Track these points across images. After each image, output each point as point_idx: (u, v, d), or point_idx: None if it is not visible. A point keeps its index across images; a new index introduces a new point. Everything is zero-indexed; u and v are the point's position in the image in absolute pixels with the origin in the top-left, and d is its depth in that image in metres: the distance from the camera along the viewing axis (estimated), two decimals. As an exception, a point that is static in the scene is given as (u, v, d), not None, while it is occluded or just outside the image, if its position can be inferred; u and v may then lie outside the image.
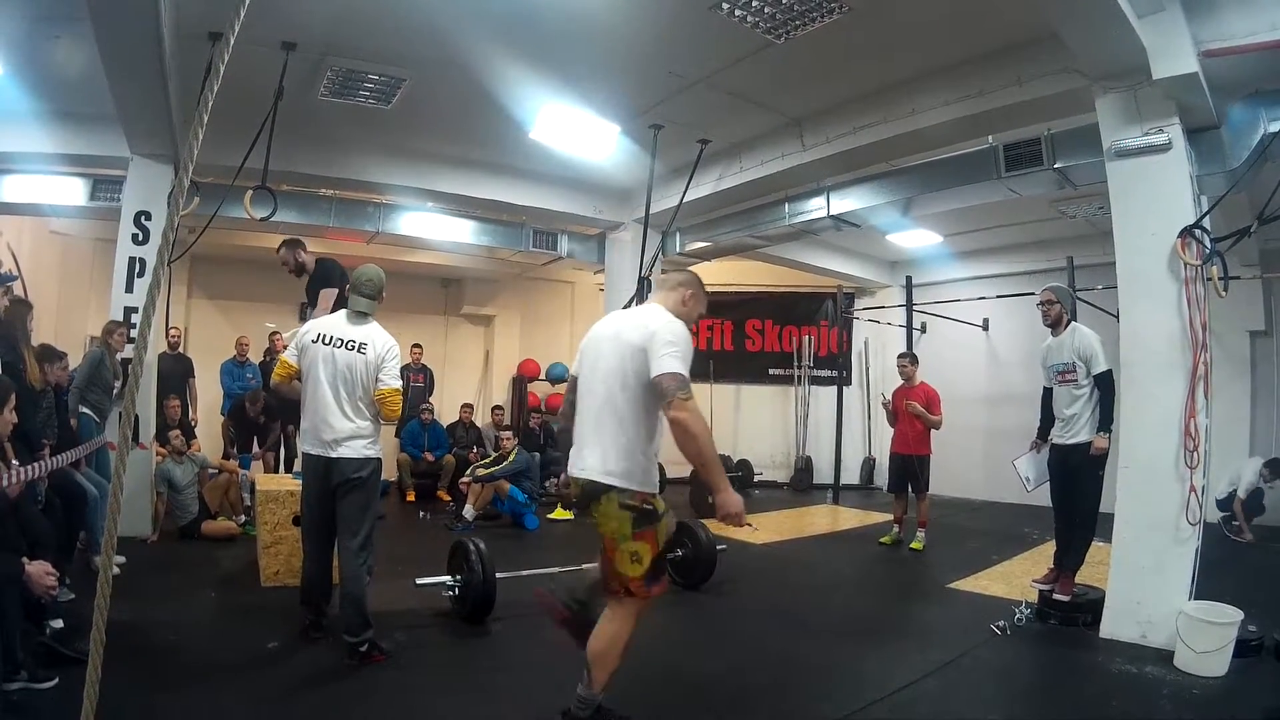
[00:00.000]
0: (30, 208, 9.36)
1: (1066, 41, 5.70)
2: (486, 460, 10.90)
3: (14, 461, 4.88)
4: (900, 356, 9.86)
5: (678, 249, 12.17)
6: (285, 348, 5.65)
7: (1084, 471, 6.28)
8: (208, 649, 5.16)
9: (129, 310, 8.13)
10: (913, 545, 9.31)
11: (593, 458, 3.86)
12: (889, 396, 9.96)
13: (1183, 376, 5.59)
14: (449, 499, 11.87)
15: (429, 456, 12.28)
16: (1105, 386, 6.23)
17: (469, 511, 10.02)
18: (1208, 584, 5.61)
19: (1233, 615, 5.11)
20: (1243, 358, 10.99)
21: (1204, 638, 5.06)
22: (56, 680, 4.17)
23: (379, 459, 5.34)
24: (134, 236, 8.29)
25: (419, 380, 13.36)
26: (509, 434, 11.11)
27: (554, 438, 13.71)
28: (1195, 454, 5.51)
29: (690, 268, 13.64)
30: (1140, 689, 4.91)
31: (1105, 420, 6.22)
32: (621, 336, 3.88)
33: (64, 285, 11.47)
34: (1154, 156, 5.77)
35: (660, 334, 3.73)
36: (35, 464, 5.08)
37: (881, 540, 9.56)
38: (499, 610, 5.94)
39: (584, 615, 4.12)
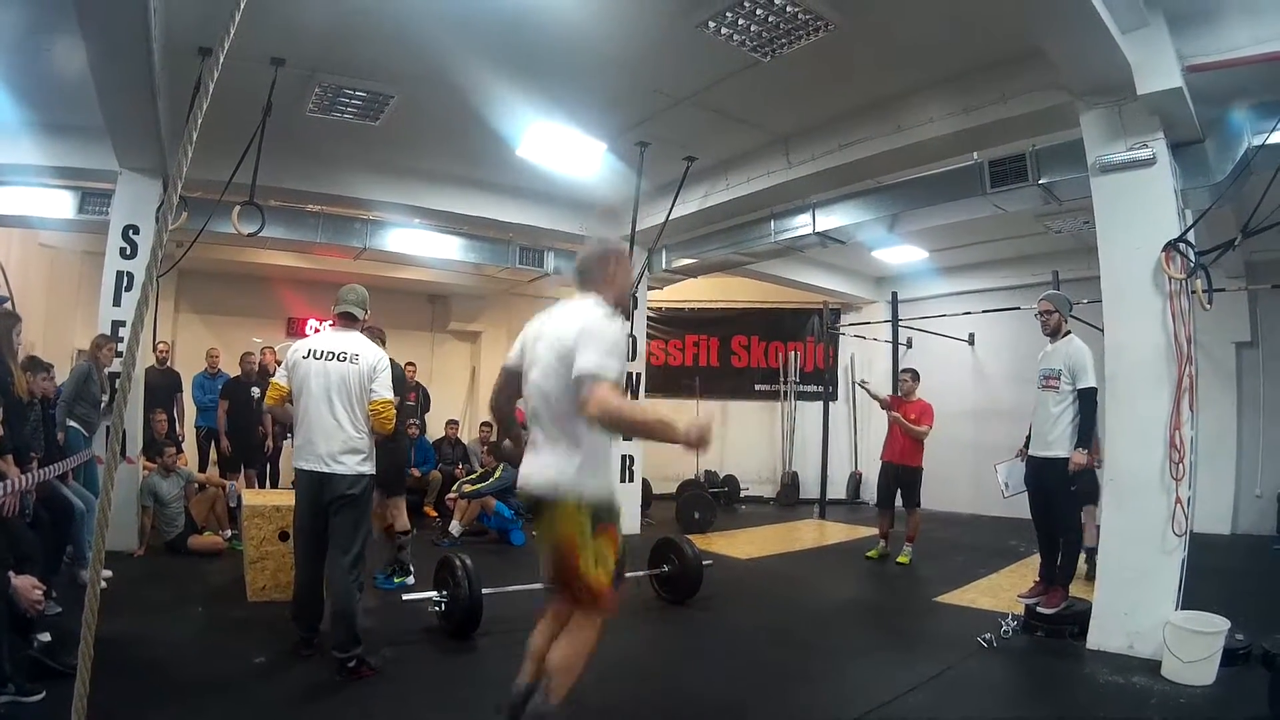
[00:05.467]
0: (18, 220, 9.33)
1: (1051, 57, 5.75)
2: (473, 476, 10.89)
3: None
4: (903, 371, 10.07)
5: (664, 266, 12.19)
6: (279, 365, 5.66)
7: (1058, 490, 6.34)
8: (195, 664, 5.14)
9: (117, 324, 8.09)
10: (899, 559, 9.32)
11: (546, 466, 3.71)
12: (885, 396, 10.19)
13: (1168, 389, 5.63)
14: (436, 515, 11.84)
15: (415, 472, 12.22)
16: (1087, 402, 6.24)
17: (455, 527, 10.02)
18: (1195, 593, 5.64)
19: (1220, 624, 5.15)
20: (1229, 369, 11.09)
21: (1191, 647, 5.10)
22: (44, 694, 4.15)
23: (372, 475, 5.35)
24: (122, 250, 8.29)
25: (411, 399, 13.36)
26: (485, 450, 11.15)
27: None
28: (1181, 466, 5.54)
29: (678, 284, 13.75)
30: (1128, 699, 4.94)
31: (1084, 437, 6.24)
32: (558, 342, 3.69)
33: (51, 298, 11.42)
34: (1138, 171, 5.82)
35: (585, 332, 3.57)
36: (23, 477, 5.07)
37: (868, 554, 9.59)
38: (485, 625, 5.94)
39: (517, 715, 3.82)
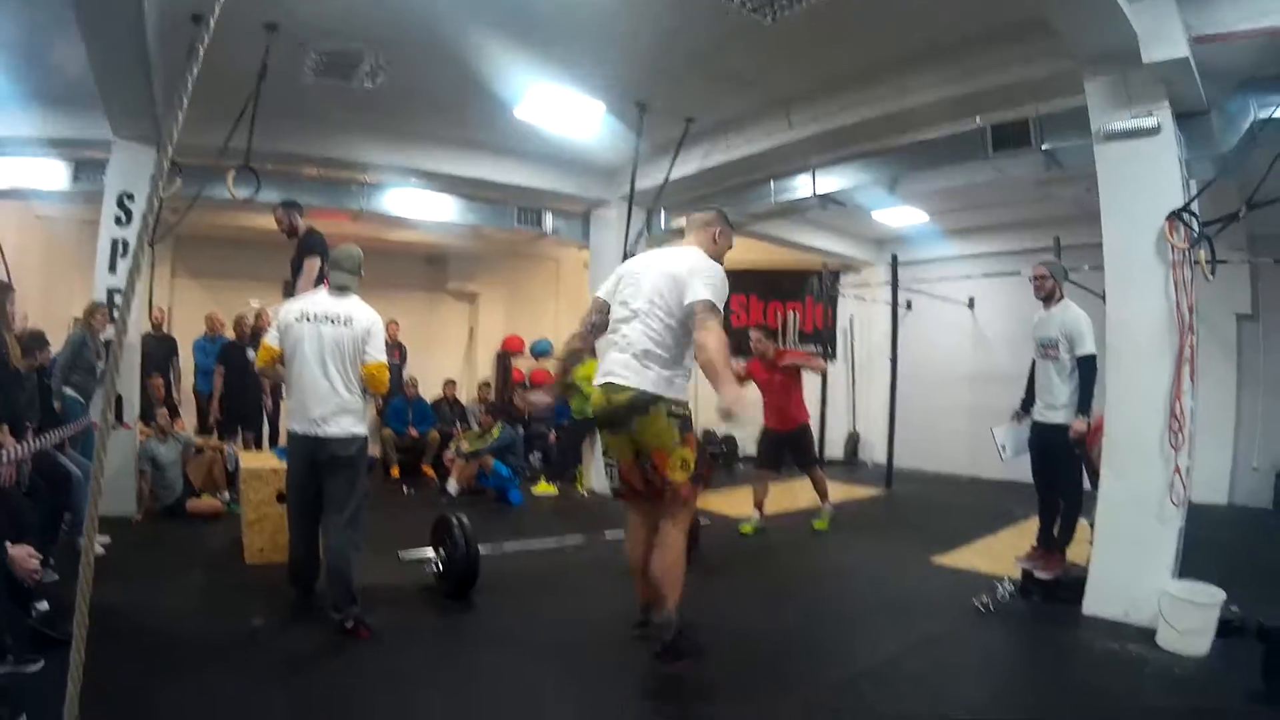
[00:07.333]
0: (13, 193, 9.33)
1: (1057, 25, 5.66)
2: (470, 435, 10.91)
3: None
4: (754, 329, 9.66)
5: (663, 226, 12.12)
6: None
7: (1062, 453, 6.32)
8: (194, 628, 5.17)
9: (112, 292, 8.07)
10: (816, 525, 9.14)
11: (637, 374, 4.23)
12: (744, 368, 9.23)
13: (1169, 358, 5.61)
14: (433, 474, 11.87)
15: (413, 432, 12.28)
16: (1087, 370, 6.20)
17: (453, 486, 10.08)
18: (1191, 563, 5.66)
19: (1215, 596, 5.16)
20: (1229, 342, 11.04)
21: (1187, 617, 5.12)
22: (43, 663, 4.16)
23: (366, 436, 5.38)
24: (117, 218, 8.23)
25: (395, 357, 13.32)
26: (483, 409, 11.23)
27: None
28: (1181, 435, 5.54)
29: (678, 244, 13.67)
30: (1122, 666, 4.98)
31: (1084, 404, 6.21)
32: (666, 270, 4.34)
33: (48, 268, 11.35)
34: (1143, 140, 5.76)
35: (698, 269, 4.27)
36: (19, 446, 5.06)
37: (742, 530, 8.89)
38: (482, 584, 5.98)
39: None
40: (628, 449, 4.33)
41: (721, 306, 4.19)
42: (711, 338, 4.07)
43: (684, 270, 4.27)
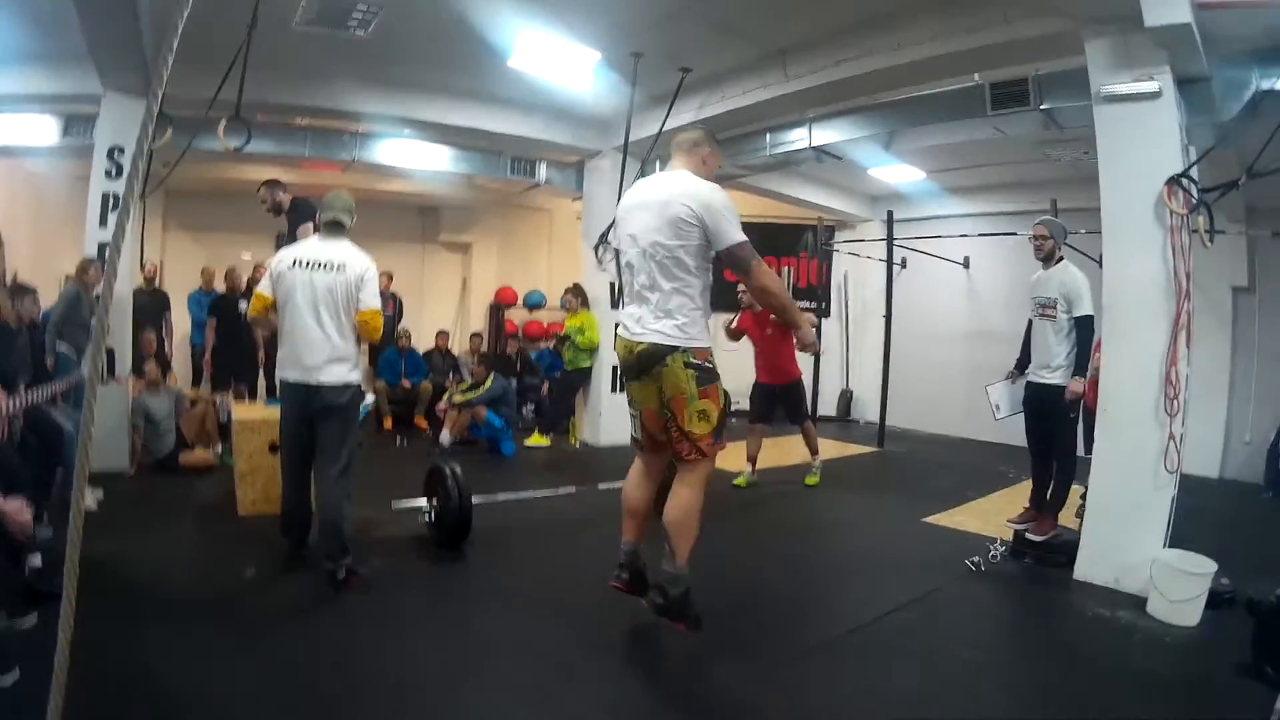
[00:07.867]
0: (2, 150, 9.31)
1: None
2: (463, 386, 10.92)
3: None
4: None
5: (658, 179, 12.05)
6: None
7: (1056, 413, 6.33)
8: (187, 581, 5.22)
9: (103, 246, 7.99)
10: (808, 480, 9.23)
11: (652, 323, 4.17)
12: (735, 322, 9.37)
13: (1165, 323, 5.59)
14: (426, 425, 11.92)
15: (406, 383, 12.30)
16: (1085, 330, 6.21)
17: (446, 437, 10.10)
18: (1182, 534, 5.67)
19: (1207, 566, 5.17)
20: (1224, 312, 10.97)
21: (1178, 587, 5.13)
22: (36, 618, 4.13)
23: (359, 385, 5.37)
24: (108, 172, 8.13)
25: (389, 309, 13.25)
26: (475, 360, 11.26)
27: (530, 364, 13.74)
28: (1175, 401, 5.54)
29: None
30: (1112, 633, 5.01)
31: (1080, 365, 6.23)
32: (669, 209, 4.09)
33: (40, 224, 11.32)
34: (1143, 103, 5.69)
35: (713, 205, 4.07)
36: (9, 401, 5.03)
37: (735, 483, 9.00)
38: (474, 535, 6.03)
39: (635, 570, 4.56)
40: (652, 396, 4.28)
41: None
42: (770, 279, 4.24)
43: (694, 207, 4.05)
